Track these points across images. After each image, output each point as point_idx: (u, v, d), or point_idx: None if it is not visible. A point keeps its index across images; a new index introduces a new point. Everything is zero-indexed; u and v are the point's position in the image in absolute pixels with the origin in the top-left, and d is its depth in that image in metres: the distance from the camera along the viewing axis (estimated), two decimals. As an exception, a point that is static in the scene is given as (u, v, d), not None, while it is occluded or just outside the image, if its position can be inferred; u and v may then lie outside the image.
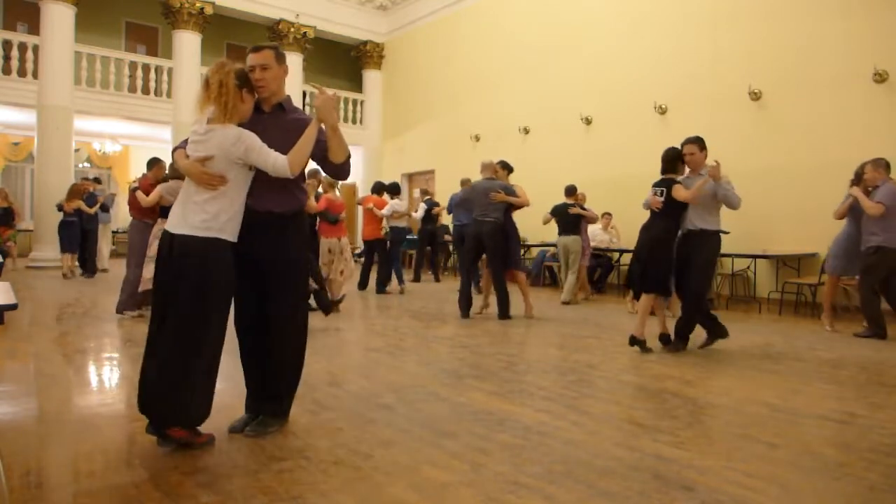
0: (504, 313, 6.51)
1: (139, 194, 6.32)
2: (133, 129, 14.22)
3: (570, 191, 8.19)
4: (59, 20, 11.50)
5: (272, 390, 2.87)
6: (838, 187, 6.86)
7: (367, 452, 2.57)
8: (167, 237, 2.56)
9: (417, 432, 2.84)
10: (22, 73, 11.72)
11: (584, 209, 8.07)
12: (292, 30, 14.34)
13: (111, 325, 5.77)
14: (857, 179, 5.74)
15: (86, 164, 15.61)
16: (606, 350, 5.02)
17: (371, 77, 16.07)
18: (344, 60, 16.69)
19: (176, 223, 2.56)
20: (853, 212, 5.75)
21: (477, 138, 12.90)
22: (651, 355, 4.79)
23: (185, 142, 2.74)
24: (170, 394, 2.47)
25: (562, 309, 7.54)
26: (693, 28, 9.12)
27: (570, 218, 7.94)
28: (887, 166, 5.58)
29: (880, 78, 7.13)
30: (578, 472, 2.39)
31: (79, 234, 10.03)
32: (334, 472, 2.37)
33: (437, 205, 10.48)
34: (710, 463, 2.51)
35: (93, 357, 4.48)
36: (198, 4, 12.89)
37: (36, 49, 11.66)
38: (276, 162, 2.58)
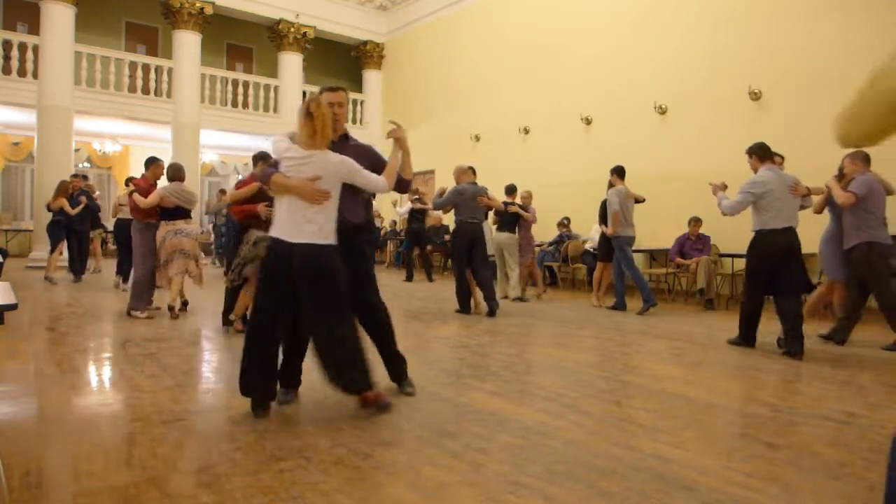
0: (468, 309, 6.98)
1: (136, 197, 6.20)
2: (133, 129, 14.23)
3: (510, 190, 8.44)
4: (59, 20, 11.51)
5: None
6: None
7: (367, 452, 2.57)
8: (285, 246, 2.96)
9: (417, 432, 2.84)
10: (22, 73, 11.72)
11: (522, 208, 8.27)
12: (292, 30, 14.35)
13: (111, 325, 5.77)
14: (841, 174, 5.44)
15: (86, 164, 15.61)
16: (606, 350, 5.02)
17: (371, 77, 16.08)
18: (344, 60, 16.69)
19: (291, 233, 2.97)
20: (835, 207, 5.38)
21: (477, 138, 12.90)
22: (649, 355, 4.80)
23: (273, 166, 3.16)
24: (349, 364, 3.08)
25: (562, 309, 7.55)
26: (693, 28, 9.12)
27: (507, 216, 8.16)
28: (866, 159, 5.25)
29: (880, 78, 7.12)
30: (578, 472, 2.39)
31: (64, 234, 9.35)
32: (334, 472, 2.37)
33: (425, 206, 10.63)
34: (710, 463, 2.51)
35: (93, 357, 4.48)
36: (198, 4, 12.89)
37: (36, 49, 11.66)
38: (378, 181, 3.16)
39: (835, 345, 5.26)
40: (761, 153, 5.06)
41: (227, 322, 5.60)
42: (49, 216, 9.52)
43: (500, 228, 8.26)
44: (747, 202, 4.92)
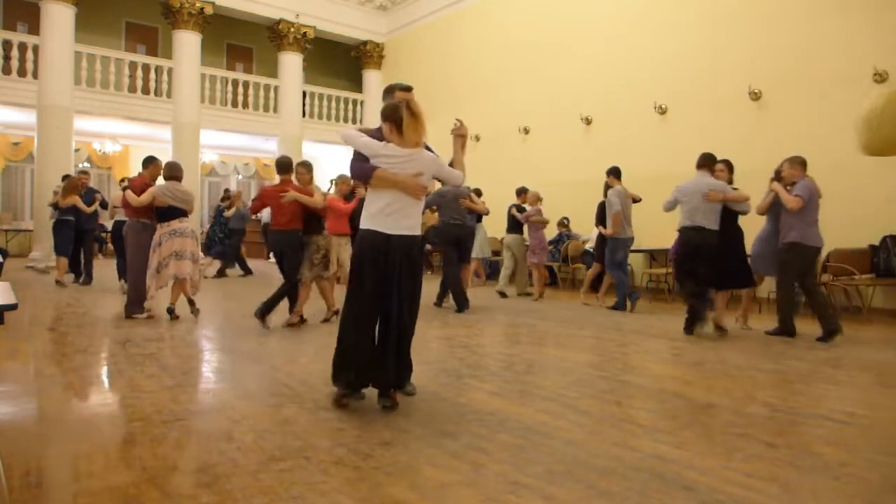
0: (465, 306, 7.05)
1: (129, 194, 6.07)
2: (133, 129, 14.22)
3: (518, 192, 8.95)
4: (59, 20, 11.50)
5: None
6: (838, 187, 6.86)
7: (367, 452, 2.57)
8: (381, 237, 3.11)
9: (417, 432, 2.85)
10: (22, 73, 11.72)
11: (519, 210, 8.69)
12: (292, 30, 14.34)
13: (111, 325, 5.77)
14: (778, 177, 5.78)
15: (86, 164, 15.60)
16: (607, 350, 5.02)
17: (371, 77, 16.06)
18: (344, 60, 16.68)
19: (389, 226, 3.13)
20: (773, 208, 5.77)
21: (477, 138, 12.89)
22: (649, 355, 4.80)
23: (364, 160, 3.20)
24: (407, 359, 3.30)
25: (562, 309, 7.55)
26: (693, 28, 9.12)
27: (510, 218, 8.71)
28: (804, 164, 5.64)
29: (880, 78, 7.12)
30: (578, 472, 2.39)
31: (73, 234, 8.80)
32: (334, 472, 2.37)
33: None
34: (710, 463, 2.51)
35: (93, 357, 4.48)
36: (198, 4, 12.89)
37: (36, 49, 11.65)
38: (457, 174, 3.40)
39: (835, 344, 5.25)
40: (700, 162, 5.83)
41: (263, 319, 5.61)
42: (53, 215, 9.04)
43: (507, 230, 8.77)
44: (672, 202, 5.88)
